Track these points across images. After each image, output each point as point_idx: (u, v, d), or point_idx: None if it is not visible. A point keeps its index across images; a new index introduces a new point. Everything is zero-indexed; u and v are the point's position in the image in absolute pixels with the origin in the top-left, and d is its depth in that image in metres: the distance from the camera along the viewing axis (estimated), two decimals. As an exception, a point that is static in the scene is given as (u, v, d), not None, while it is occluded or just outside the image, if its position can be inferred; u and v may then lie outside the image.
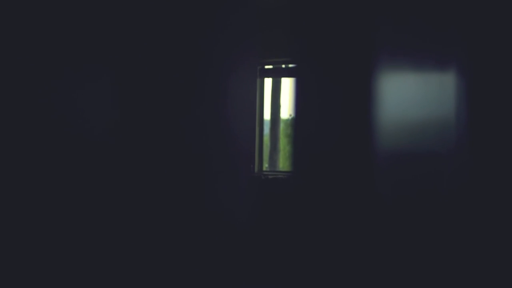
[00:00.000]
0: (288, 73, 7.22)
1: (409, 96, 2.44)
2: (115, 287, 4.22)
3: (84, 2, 4.04)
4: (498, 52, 2.88)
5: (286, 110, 7.49)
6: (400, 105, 2.35)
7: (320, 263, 2.21)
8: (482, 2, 2.92)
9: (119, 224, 4.27)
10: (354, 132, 2.16)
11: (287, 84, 7.50)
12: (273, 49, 6.75)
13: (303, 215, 2.24)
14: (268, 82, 7.35)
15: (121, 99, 4.32)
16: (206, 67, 4.68)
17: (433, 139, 2.64)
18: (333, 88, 2.20)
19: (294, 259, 2.25)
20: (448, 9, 2.79)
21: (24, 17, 3.71)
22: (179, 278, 4.49)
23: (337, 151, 2.18)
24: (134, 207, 4.35)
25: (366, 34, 2.16)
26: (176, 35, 4.56)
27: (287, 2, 6.30)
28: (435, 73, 2.68)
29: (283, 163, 7.57)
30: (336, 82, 2.20)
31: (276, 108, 7.50)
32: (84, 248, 4.03)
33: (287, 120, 7.57)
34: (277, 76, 7.41)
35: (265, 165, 7.40)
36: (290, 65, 7.00)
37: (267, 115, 7.41)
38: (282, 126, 7.61)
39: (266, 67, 7.17)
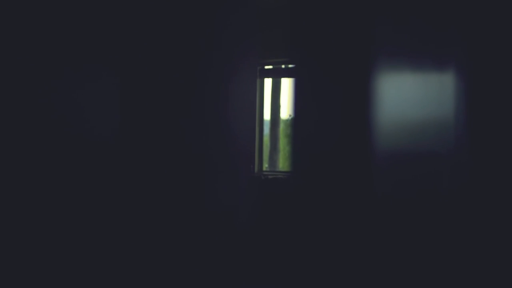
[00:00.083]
0: (288, 73, 7.22)
1: (408, 96, 2.44)
2: (115, 287, 4.22)
3: (84, 2, 4.05)
4: (497, 52, 2.88)
5: (286, 110, 7.49)
6: (399, 105, 2.35)
7: (319, 263, 2.21)
8: (481, 2, 2.92)
9: (120, 224, 4.27)
10: (353, 132, 2.16)
11: (287, 85, 7.50)
12: (273, 49, 6.75)
13: (303, 215, 2.24)
14: (268, 82, 7.35)
15: (121, 99, 4.33)
16: (206, 67, 4.69)
17: (433, 139, 2.65)
18: (333, 88, 2.20)
19: (294, 259, 2.25)
20: (448, 9, 2.80)
21: (24, 17, 3.71)
22: (179, 278, 4.50)
23: (336, 151, 2.18)
24: (134, 207, 4.35)
25: (366, 34, 2.16)
26: (176, 35, 4.56)
27: (287, 2, 6.30)
28: (434, 73, 2.69)
29: (283, 163, 7.57)
30: (335, 82, 2.20)
31: (276, 108, 7.50)
32: (84, 248, 4.03)
33: (287, 120, 7.57)
34: (277, 76, 7.41)
35: (265, 165, 7.40)
36: (290, 65, 7.00)
37: (267, 115, 7.41)
38: (282, 126, 7.61)
39: (266, 67, 7.17)
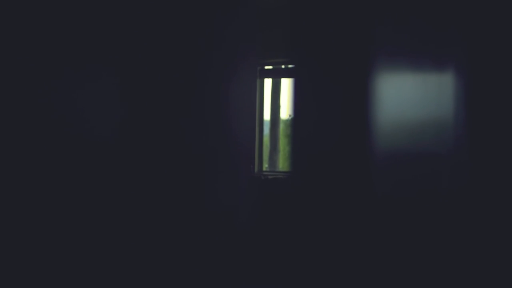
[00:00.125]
0: (288, 74, 7.22)
1: (408, 96, 2.44)
2: (115, 287, 4.22)
3: (84, 2, 4.05)
4: (497, 53, 2.88)
5: (286, 111, 7.49)
6: (398, 106, 2.35)
7: (319, 263, 2.21)
8: (481, 2, 2.93)
9: (120, 224, 4.27)
10: (353, 132, 2.16)
11: (287, 85, 7.50)
12: (273, 49, 6.75)
13: (303, 215, 2.24)
14: (268, 82, 7.35)
15: (121, 99, 4.33)
16: (206, 67, 4.69)
17: (432, 139, 2.65)
18: (332, 88, 2.21)
19: (293, 259, 2.25)
20: (447, 9, 2.80)
21: (24, 17, 3.72)
22: (179, 278, 4.50)
23: (336, 151, 2.19)
24: (134, 207, 4.35)
25: (365, 34, 2.16)
26: (176, 35, 4.56)
27: (287, 2, 6.30)
28: (434, 73, 2.69)
29: (283, 164, 7.57)
30: (335, 82, 2.20)
31: (276, 109, 7.50)
32: (84, 248, 4.03)
33: (287, 120, 7.57)
34: (277, 77, 7.41)
35: (265, 166, 7.41)
36: (290, 66, 7.01)
37: (267, 115, 7.41)
38: (282, 126, 7.61)
39: (266, 67, 7.18)
